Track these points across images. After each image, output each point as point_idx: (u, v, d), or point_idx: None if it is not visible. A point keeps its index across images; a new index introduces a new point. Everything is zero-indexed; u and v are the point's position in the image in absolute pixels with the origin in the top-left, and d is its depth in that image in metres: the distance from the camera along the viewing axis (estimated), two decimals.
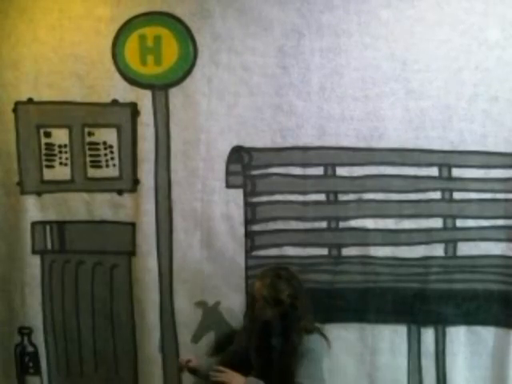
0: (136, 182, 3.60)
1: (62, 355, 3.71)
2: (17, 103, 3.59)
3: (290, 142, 3.61)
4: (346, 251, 3.63)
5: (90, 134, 3.60)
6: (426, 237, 3.62)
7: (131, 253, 3.62)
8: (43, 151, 3.62)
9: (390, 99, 3.59)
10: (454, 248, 3.62)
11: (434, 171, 3.62)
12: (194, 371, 3.30)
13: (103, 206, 3.62)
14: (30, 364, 3.66)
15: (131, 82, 3.57)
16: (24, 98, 3.59)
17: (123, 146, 3.60)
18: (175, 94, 3.58)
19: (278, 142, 3.61)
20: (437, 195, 3.62)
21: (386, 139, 3.60)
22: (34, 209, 3.63)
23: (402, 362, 3.62)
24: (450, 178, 3.61)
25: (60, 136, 3.62)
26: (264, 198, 3.62)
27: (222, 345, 3.53)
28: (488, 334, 3.61)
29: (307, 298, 3.22)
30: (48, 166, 3.63)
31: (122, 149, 3.60)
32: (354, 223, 3.63)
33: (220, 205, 3.60)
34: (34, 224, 3.64)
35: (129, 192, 3.61)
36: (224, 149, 3.60)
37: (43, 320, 3.67)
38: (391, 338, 3.62)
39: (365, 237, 3.63)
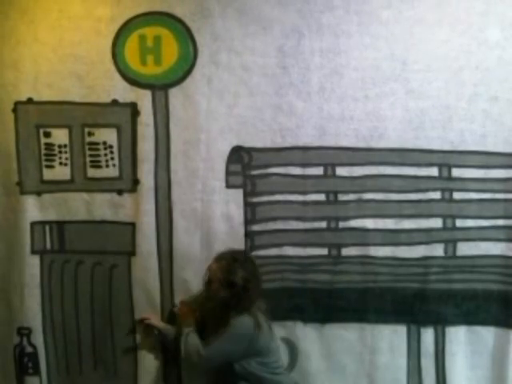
0: (136, 182, 3.59)
1: (61, 355, 3.69)
2: (16, 103, 3.57)
3: (289, 142, 3.60)
4: (345, 251, 3.63)
5: (89, 134, 3.59)
6: (425, 237, 3.63)
7: (131, 253, 3.61)
8: (43, 151, 3.61)
9: (389, 99, 3.59)
10: (454, 248, 3.62)
11: (433, 171, 3.62)
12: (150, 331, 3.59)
13: (103, 206, 3.61)
14: (30, 364, 3.64)
15: (131, 82, 3.56)
16: (24, 98, 3.57)
17: (123, 146, 3.59)
18: (175, 94, 3.57)
19: (277, 142, 3.60)
20: (436, 195, 3.63)
21: (386, 139, 3.60)
22: (33, 209, 3.61)
23: (402, 361, 3.63)
24: (450, 178, 3.62)
25: (60, 136, 3.60)
26: (264, 198, 3.62)
27: None
28: (488, 333, 3.62)
29: (260, 281, 3.36)
30: (48, 166, 3.61)
31: (122, 149, 3.59)
32: (353, 223, 3.63)
33: (220, 205, 3.60)
34: (33, 224, 3.62)
35: (129, 192, 3.60)
36: (224, 149, 3.59)
37: (42, 320, 3.64)
38: (391, 338, 3.63)
39: (364, 237, 3.63)
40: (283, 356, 3.55)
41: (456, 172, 3.62)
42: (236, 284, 3.22)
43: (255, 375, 3.20)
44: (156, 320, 3.56)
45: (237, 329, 3.19)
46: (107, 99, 3.57)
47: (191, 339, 3.25)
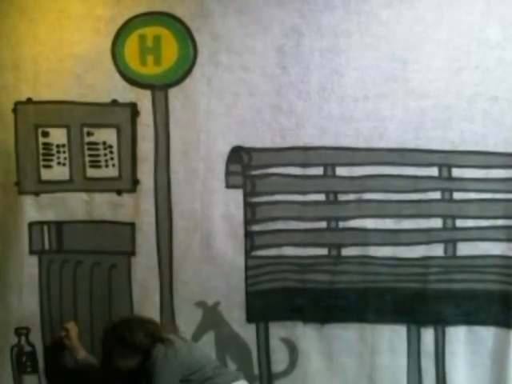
0: (135, 182, 3.58)
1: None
2: (16, 103, 3.56)
3: (289, 142, 3.59)
4: (345, 251, 3.63)
5: (89, 133, 3.58)
6: (425, 237, 3.62)
7: (131, 253, 3.61)
8: (41, 151, 3.60)
9: (389, 99, 3.57)
10: (454, 248, 3.61)
11: (433, 171, 3.61)
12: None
13: (102, 206, 3.61)
14: (28, 363, 3.65)
15: (131, 82, 3.56)
16: (24, 98, 3.56)
17: (123, 146, 3.58)
18: (175, 94, 3.56)
19: (277, 142, 3.59)
20: (437, 195, 3.62)
21: (386, 139, 3.59)
22: (31, 209, 3.61)
23: (402, 361, 3.63)
24: (450, 178, 3.60)
25: (58, 136, 3.59)
26: (264, 198, 3.61)
27: None
28: (488, 334, 3.61)
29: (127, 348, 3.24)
30: (46, 166, 3.60)
31: (122, 149, 3.58)
32: (353, 223, 3.62)
33: (220, 205, 3.60)
34: (31, 224, 3.62)
35: (128, 192, 3.60)
36: (224, 149, 3.58)
37: (41, 320, 3.64)
38: (391, 338, 3.63)
39: (364, 237, 3.62)
40: (283, 356, 3.60)
41: (456, 172, 3.60)
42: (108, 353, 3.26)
43: None
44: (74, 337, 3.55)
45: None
46: (107, 99, 3.56)
47: None
